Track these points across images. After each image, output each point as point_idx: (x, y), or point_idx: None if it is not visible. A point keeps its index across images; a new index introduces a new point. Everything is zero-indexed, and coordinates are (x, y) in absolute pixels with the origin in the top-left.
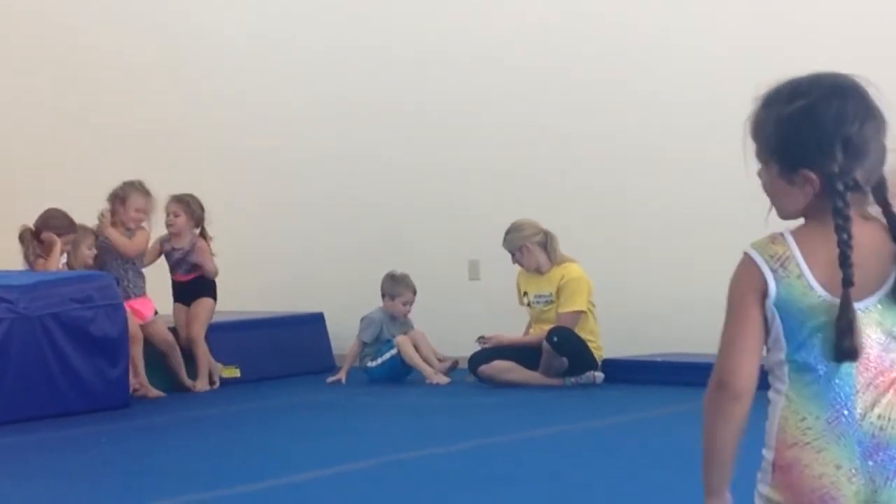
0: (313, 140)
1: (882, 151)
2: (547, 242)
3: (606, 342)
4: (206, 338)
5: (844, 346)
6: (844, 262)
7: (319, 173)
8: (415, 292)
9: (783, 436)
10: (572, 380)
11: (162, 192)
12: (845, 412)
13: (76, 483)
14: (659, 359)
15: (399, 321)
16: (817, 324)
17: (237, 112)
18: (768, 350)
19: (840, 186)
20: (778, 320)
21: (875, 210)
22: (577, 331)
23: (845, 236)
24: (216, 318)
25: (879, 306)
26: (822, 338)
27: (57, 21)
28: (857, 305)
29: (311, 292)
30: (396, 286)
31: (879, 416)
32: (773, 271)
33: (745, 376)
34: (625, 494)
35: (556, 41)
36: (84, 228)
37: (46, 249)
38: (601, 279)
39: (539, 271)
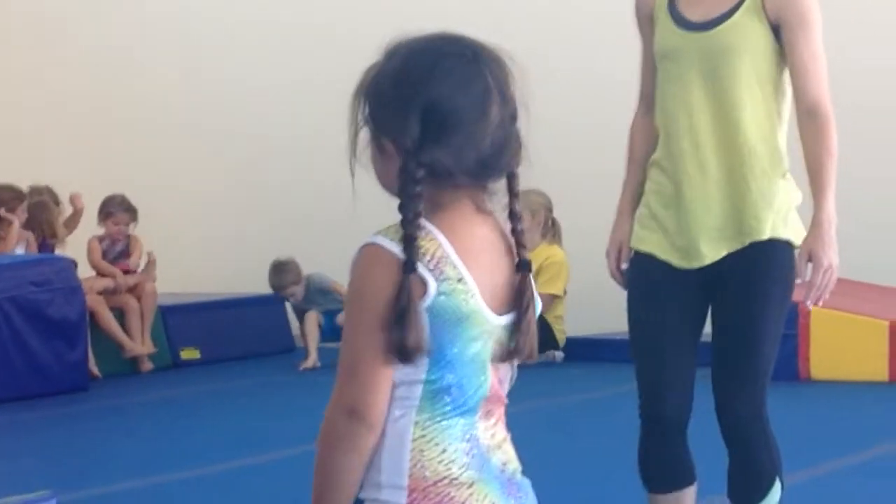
0: (276, 123)
1: (508, 139)
2: (549, 222)
3: (574, 319)
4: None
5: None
6: (409, 264)
7: (279, 156)
8: (300, 274)
9: (421, 472)
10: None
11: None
12: (475, 443)
13: (34, 465)
14: (619, 336)
15: (331, 295)
16: (471, 336)
17: (195, 94)
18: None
19: (412, 165)
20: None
21: (501, 205)
22: (546, 314)
23: (408, 232)
24: (176, 300)
25: (508, 326)
26: (471, 353)
27: None
28: (497, 321)
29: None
30: (282, 277)
31: (500, 449)
32: (430, 270)
33: (383, 399)
34: (570, 472)
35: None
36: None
37: (4, 228)
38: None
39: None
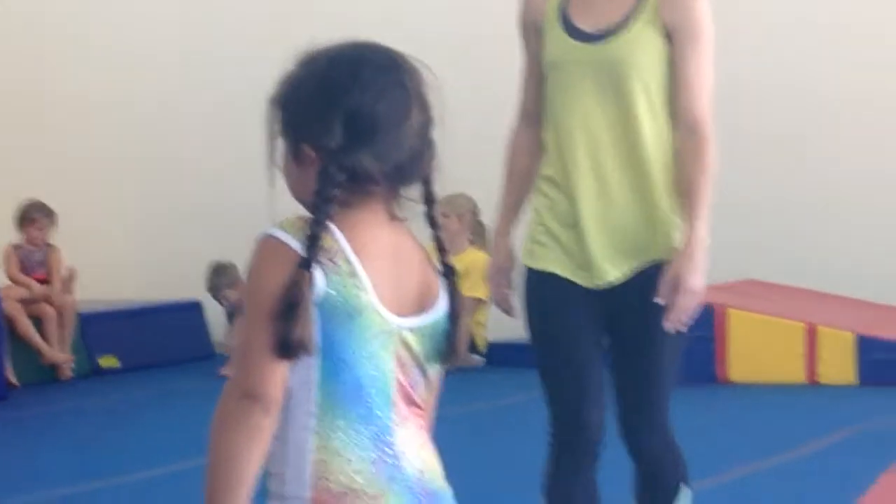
0: (196, 127)
1: (423, 145)
2: (475, 225)
3: (496, 324)
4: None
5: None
6: (308, 262)
7: (197, 161)
8: (237, 279)
9: (325, 483)
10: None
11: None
12: (388, 451)
13: None
14: None
15: None
16: (366, 335)
17: (109, 97)
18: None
19: (333, 169)
20: (317, 328)
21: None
22: (469, 318)
23: (314, 232)
24: (94, 308)
25: (418, 330)
26: (367, 353)
27: None
28: (398, 322)
29: (191, 280)
30: (218, 280)
31: (418, 457)
32: (321, 264)
33: (278, 386)
34: (488, 479)
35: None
36: None
37: None
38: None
39: (452, 246)
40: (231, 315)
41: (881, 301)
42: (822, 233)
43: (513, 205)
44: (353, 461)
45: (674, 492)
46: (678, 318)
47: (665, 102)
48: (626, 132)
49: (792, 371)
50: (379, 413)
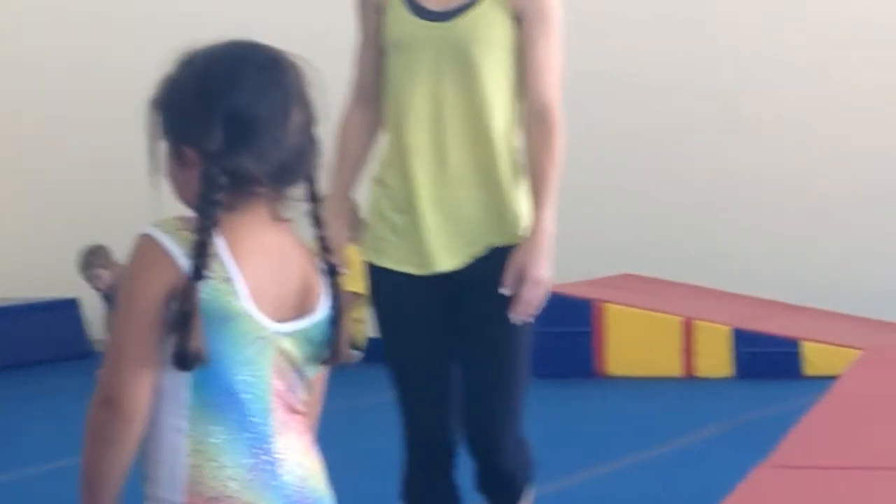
0: (68, 121)
1: (306, 143)
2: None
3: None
4: None
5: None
6: (198, 260)
7: (67, 154)
8: (109, 260)
9: (198, 488)
10: None
11: None
12: (265, 458)
13: None
14: None
15: None
16: (241, 340)
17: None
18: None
19: (215, 171)
20: None
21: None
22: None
23: (202, 239)
24: None
25: (297, 334)
26: (241, 359)
27: None
28: (275, 328)
29: (67, 278)
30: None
31: (299, 465)
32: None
33: (143, 395)
34: (364, 475)
35: None
36: None
37: None
38: None
39: None
40: (108, 298)
41: (757, 294)
42: (698, 227)
43: (343, 189)
44: (228, 467)
45: (518, 493)
46: (524, 310)
47: (514, 86)
48: (472, 114)
49: (669, 365)
50: (255, 419)
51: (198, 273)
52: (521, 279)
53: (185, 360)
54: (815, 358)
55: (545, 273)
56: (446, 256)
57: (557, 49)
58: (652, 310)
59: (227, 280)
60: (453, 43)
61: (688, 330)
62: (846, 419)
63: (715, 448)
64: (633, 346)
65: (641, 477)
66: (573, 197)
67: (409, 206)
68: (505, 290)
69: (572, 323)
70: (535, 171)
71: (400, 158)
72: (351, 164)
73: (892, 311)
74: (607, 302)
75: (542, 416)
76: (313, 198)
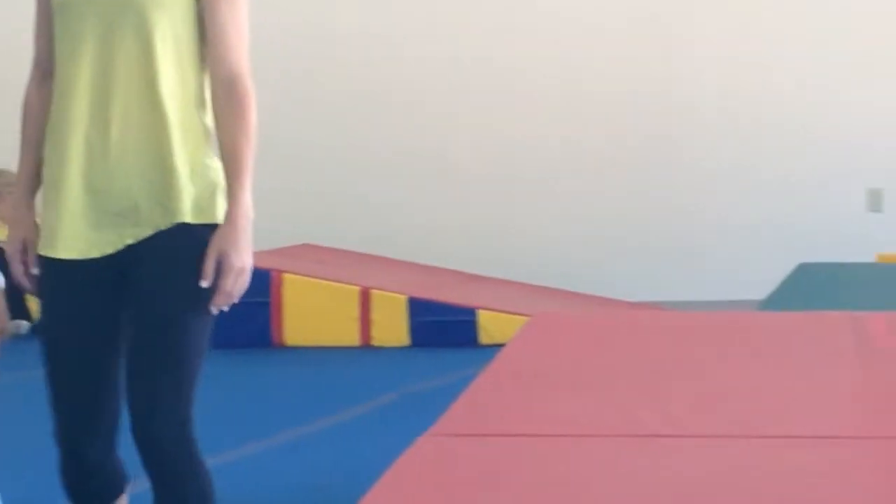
0: None
1: None
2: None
3: None
4: None
5: None
6: None
7: None
8: None
9: None
10: None
11: None
12: None
13: None
14: None
15: None
16: None
17: None
18: None
19: None
20: None
21: None
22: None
23: None
24: None
25: None
26: None
27: None
28: None
29: None
30: None
31: None
32: None
33: None
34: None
35: None
36: None
37: None
38: None
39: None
40: None
41: (435, 264)
42: (376, 198)
43: (30, 172)
44: None
45: (183, 486)
46: (225, 301)
47: (195, 55)
48: (143, 86)
49: (347, 334)
50: None
51: None
52: (220, 268)
53: None
54: (490, 326)
55: (246, 260)
56: (109, 237)
57: (243, 14)
58: (330, 279)
59: None
60: (123, 4)
61: (365, 299)
62: (510, 386)
63: (388, 417)
64: (311, 315)
65: (310, 447)
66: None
67: (61, 183)
68: (203, 283)
69: (251, 293)
70: (227, 148)
71: (58, 134)
72: (33, 147)
73: (564, 279)
74: (286, 272)
75: (217, 386)
76: None
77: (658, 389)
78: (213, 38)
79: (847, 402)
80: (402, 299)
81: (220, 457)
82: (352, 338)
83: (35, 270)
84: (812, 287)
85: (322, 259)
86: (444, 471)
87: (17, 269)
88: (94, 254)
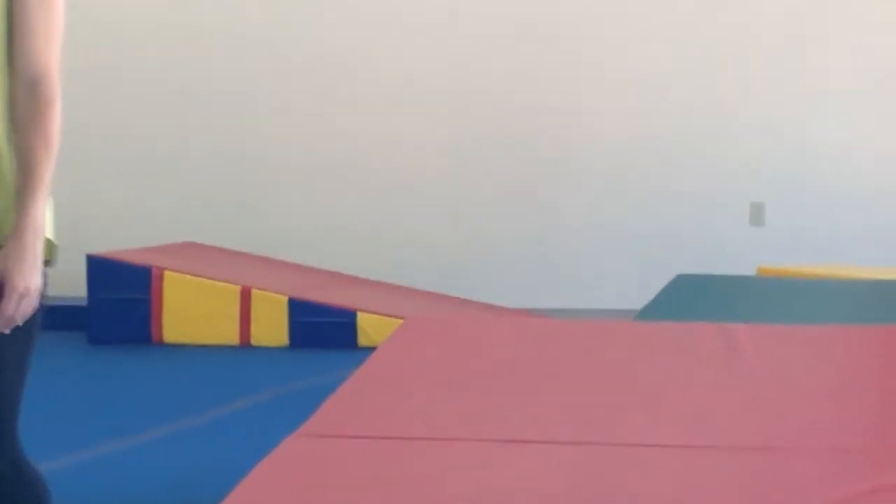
0: None
1: None
2: None
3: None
4: None
5: None
6: None
7: None
8: None
9: None
10: None
11: None
12: None
13: None
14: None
15: None
16: None
17: None
18: None
19: None
20: None
21: None
22: None
23: None
24: None
25: None
26: None
27: None
28: None
29: None
30: None
31: None
32: None
33: None
34: None
35: None
36: None
37: None
38: None
39: None
40: None
41: (318, 266)
42: (260, 198)
43: None
44: None
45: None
46: (6, 325)
47: (4, 54)
48: None
49: (227, 333)
50: None
51: None
52: (3, 290)
53: None
54: (369, 328)
55: (33, 282)
56: None
57: (57, 10)
58: (211, 278)
59: None
60: None
61: (245, 298)
62: (377, 389)
63: (260, 416)
64: (191, 313)
65: (179, 445)
66: (130, 166)
67: None
68: None
69: (130, 290)
70: (24, 155)
71: None
72: None
73: (446, 283)
74: (167, 270)
75: (93, 382)
76: None
77: (525, 395)
78: (20, 34)
79: (708, 412)
80: (282, 300)
81: (86, 453)
82: (231, 337)
83: None
84: (688, 298)
85: (203, 257)
86: (307, 472)
87: None
88: None
